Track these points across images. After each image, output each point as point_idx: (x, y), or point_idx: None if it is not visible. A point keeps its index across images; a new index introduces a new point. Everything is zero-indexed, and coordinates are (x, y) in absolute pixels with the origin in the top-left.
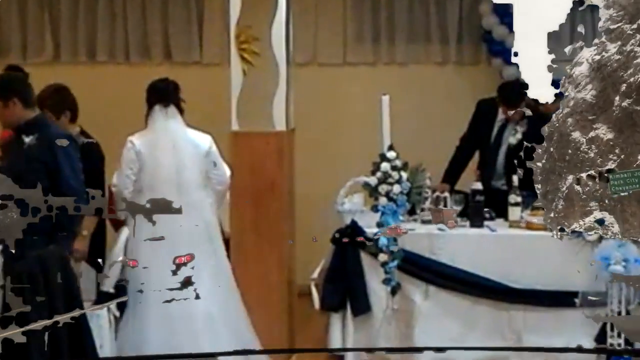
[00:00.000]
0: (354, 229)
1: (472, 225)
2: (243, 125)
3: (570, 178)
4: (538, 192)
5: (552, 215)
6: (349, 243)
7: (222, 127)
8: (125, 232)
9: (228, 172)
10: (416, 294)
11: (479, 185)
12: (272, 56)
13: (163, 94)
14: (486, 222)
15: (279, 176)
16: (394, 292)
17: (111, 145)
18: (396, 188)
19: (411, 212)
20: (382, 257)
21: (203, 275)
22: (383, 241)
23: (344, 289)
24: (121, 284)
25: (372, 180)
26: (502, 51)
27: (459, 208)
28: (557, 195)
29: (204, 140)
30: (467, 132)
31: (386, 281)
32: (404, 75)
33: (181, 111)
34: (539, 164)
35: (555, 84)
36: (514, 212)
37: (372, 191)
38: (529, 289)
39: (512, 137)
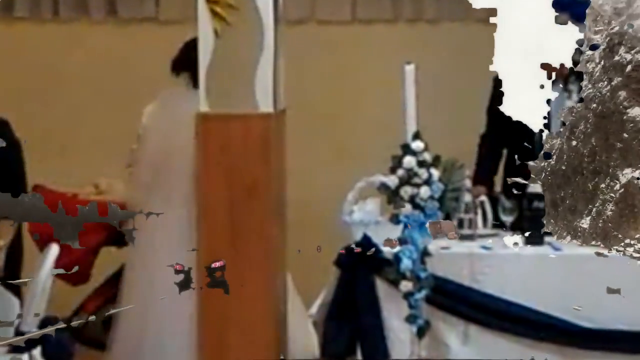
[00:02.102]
0: (366, 246)
1: (529, 242)
2: (215, 105)
3: (629, 171)
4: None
5: (585, 225)
6: (360, 266)
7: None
8: (54, 250)
9: None
10: (451, 336)
11: (538, 188)
12: (255, 11)
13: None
14: (548, 238)
15: (263, 174)
16: (421, 333)
17: (31, 128)
18: (424, 191)
19: None
20: (406, 285)
21: None
22: (406, 264)
23: (353, 330)
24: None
25: (392, 181)
26: (569, 4)
27: (509, 218)
28: (602, 198)
29: None
30: (487, 112)
31: (411, 319)
32: (434, 36)
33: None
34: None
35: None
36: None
37: (392, 195)
38: (607, 330)
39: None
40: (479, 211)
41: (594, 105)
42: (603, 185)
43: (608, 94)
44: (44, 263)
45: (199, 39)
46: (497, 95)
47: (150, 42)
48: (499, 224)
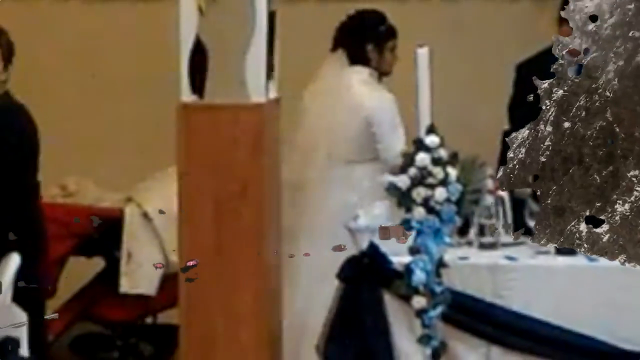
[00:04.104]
0: (373, 257)
1: (559, 252)
2: (199, 93)
3: None
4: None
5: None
6: (366, 279)
7: (167, 96)
8: (15, 260)
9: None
10: (471, 359)
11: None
12: None
13: None
14: None
15: (255, 173)
16: (436, 356)
17: None
18: (440, 193)
19: (463, 230)
20: (419, 301)
21: None
22: (419, 277)
23: (358, 351)
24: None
25: (402, 181)
26: None
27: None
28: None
29: None
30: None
31: (424, 339)
32: (451, 15)
33: None
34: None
35: None
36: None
37: (402, 198)
38: None
39: None
40: (499, 210)
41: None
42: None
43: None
44: (4, 274)
45: (180, 18)
46: (520, 84)
47: (124, 20)
48: (525, 231)
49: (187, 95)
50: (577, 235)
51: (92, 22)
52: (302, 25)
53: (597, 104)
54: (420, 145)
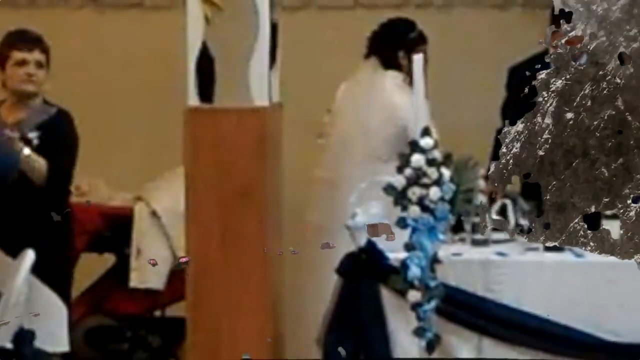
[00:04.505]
0: (370, 253)
1: (548, 248)
2: (205, 98)
3: None
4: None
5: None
6: (364, 274)
7: (175, 100)
8: (30, 256)
9: None
10: (463, 350)
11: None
12: None
13: None
14: None
15: (258, 174)
16: (430, 347)
17: None
18: (434, 192)
19: (457, 228)
20: (414, 295)
21: None
22: (414, 272)
23: (356, 344)
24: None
25: (399, 181)
26: None
27: (527, 222)
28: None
29: None
30: (503, 109)
31: (419, 332)
32: (445, 23)
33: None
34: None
35: None
36: (613, 227)
37: (399, 197)
38: (634, 344)
39: None
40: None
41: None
42: None
43: None
44: (19, 270)
45: (187, 26)
46: (513, 87)
47: (135, 29)
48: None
49: (193, 100)
50: (582, 233)
51: (104, 30)
52: (303, 33)
53: (604, 92)
54: (415, 147)
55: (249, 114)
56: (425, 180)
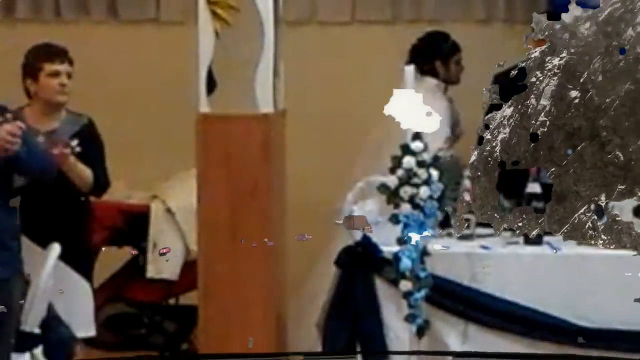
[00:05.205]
0: (366, 246)
1: (528, 242)
2: (215, 105)
3: None
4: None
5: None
6: (360, 265)
7: (187, 107)
8: (56, 249)
9: None
10: (451, 335)
11: (536, 188)
12: (255, 12)
13: None
14: (546, 238)
15: (263, 174)
16: (420, 332)
17: None
18: (423, 191)
19: (444, 223)
20: (405, 285)
21: None
22: (406, 264)
23: (353, 328)
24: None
25: (391, 181)
26: (567, 4)
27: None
28: None
29: None
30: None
31: (410, 318)
32: None
33: None
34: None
35: None
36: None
37: (391, 195)
38: (605, 329)
39: None
40: None
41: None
42: None
43: None
44: (46, 262)
45: (199, 40)
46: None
47: (151, 42)
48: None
49: (204, 107)
50: (590, 225)
51: (124, 42)
52: (305, 46)
53: (620, 64)
54: (406, 150)
55: (255, 119)
56: (415, 180)
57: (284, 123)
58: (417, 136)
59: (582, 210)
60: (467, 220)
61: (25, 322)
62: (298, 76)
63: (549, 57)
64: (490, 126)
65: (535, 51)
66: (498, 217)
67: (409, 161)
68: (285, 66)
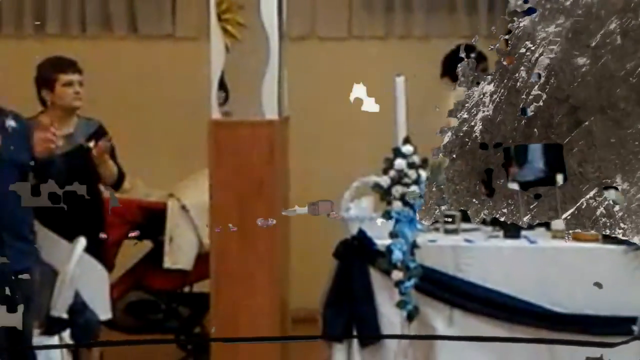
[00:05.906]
0: (361, 240)
1: (507, 236)
2: (225, 112)
3: None
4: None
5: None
6: (356, 257)
7: (200, 114)
8: (82, 242)
9: None
10: (438, 320)
11: (514, 185)
12: (261, 28)
13: None
14: (524, 232)
15: (269, 175)
16: (410, 317)
17: None
18: (413, 190)
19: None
20: (396, 274)
21: None
22: (397, 255)
23: (350, 314)
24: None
25: (384, 181)
26: None
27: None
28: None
29: None
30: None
31: (401, 304)
32: (423, 51)
33: None
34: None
35: None
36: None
37: (384, 194)
38: (577, 314)
39: None
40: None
41: None
42: None
43: None
44: (73, 254)
45: (211, 53)
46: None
47: (168, 55)
48: (493, 221)
49: (215, 114)
50: (603, 212)
51: (142, 56)
52: (306, 59)
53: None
54: (398, 153)
55: (261, 125)
56: (406, 180)
57: (287, 128)
58: (407, 140)
59: (590, 195)
60: (452, 216)
61: (54, 307)
62: (300, 86)
63: (540, 26)
64: (466, 104)
65: (525, 20)
66: (477, 202)
67: (400, 163)
68: (288, 77)
